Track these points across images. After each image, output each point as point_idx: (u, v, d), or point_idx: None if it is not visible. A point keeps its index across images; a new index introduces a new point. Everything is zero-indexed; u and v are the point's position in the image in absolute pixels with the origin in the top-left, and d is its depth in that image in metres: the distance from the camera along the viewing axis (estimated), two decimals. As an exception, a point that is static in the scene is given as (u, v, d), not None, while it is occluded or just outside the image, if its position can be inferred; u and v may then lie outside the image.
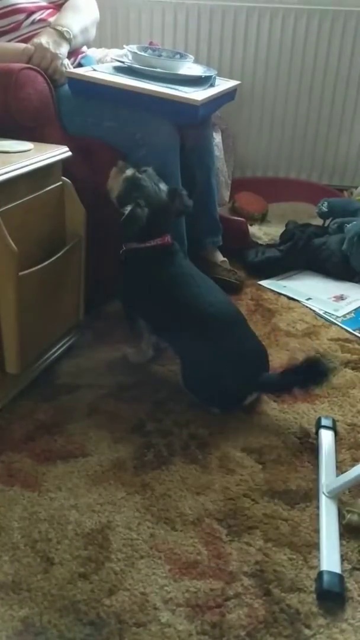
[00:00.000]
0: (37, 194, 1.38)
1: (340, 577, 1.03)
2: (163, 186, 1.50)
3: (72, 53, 1.80)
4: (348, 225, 2.14)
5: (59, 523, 1.14)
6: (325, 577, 1.02)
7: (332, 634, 0.96)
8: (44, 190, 1.41)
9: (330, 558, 1.06)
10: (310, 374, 1.33)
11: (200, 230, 1.99)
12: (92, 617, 0.97)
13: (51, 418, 1.41)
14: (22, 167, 1.29)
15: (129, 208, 1.41)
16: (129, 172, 1.49)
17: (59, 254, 1.45)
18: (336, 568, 1.05)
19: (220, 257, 2.07)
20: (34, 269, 1.35)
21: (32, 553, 1.08)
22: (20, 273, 1.29)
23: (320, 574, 1.03)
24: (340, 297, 2.00)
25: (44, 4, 1.81)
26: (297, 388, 1.36)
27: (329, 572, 1.03)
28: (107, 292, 1.83)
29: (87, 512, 1.16)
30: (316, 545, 1.10)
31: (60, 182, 1.47)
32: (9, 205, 1.29)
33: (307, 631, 0.96)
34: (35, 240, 1.40)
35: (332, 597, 1.01)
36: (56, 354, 1.58)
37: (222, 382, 1.40)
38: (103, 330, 1.77)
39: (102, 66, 1.80)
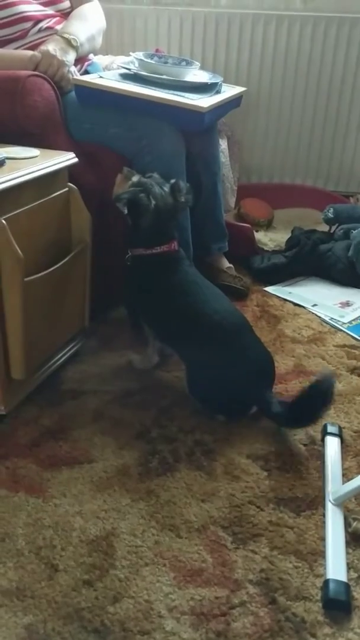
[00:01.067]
0: (43, 200, 1.39)
1: (346, 586, 1.02)
2: (168, 189, 1.49)
3: (79, 60, 1.81)
4: (354, 232, 2.13)
5: (64, 530, 1.13)
6: (332, 586, 1.02)
7: (338, 644, 0.95)
8: (50, 196, 1.42)
9: (336, 566, 1.05)
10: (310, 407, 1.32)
11: (206, 237, 1.99)
12: (97, 624, 0.97)
13: (56, 424, 1.41)
14: (28, 174, 1.30)
15: (126, 194, 1.42)
16: (135, 178, 1.50)
17: (64, 260, 1.45)
18: (342, 576, 1.04)
19: (226, 264, 2.07)
20: (39, 275, 1.35)
21: (37, 560, 1.07)
22: (26, 279, 1.30)
23: (326, 582, 1.03)
24: (346, 304, 1.99)
25: (51, 12, 1.82)
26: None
27: (335, 581, 1.02)
28: (113, 298, 1.83)
29: (91, 519, 1.16)
30: (322, 554, 1.10)
31: (67, 189, 1.48)
32: (15, 212, 1.29)
33: (312, 640, 0.96)
34: (41, 246, 1.40)
35: (338, 606, 1.00)
36: (61, 360, 1.58)
37: (227, 391, 1.40)
38: (108, 336, 1.77)
39: (108, 73, 1.81)
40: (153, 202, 1.43)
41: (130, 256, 1.52)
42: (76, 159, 1.47)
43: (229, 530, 1.14)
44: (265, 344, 1.51)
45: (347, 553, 1.09)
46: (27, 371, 1.37)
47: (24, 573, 1.05)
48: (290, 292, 2.07)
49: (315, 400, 1.30)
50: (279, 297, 2.04)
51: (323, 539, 1.12)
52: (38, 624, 0.97)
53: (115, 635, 0.95)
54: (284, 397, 1.50)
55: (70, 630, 0.96)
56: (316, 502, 1.21)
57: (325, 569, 1.06)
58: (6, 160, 1.33)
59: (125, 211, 1.43)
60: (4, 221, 1.23)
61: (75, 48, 1.73)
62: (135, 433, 1.39)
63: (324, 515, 1.17)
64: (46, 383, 1.52)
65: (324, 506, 1.19)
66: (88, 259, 1.56)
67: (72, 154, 1.47)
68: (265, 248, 2.33)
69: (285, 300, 2.02)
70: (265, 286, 2.11)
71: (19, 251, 1.25)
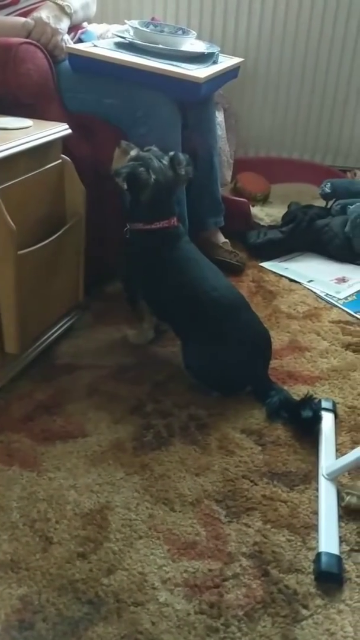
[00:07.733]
0: (36, 171, 1.37)
1: (338, 559, 1.03)
2: (168, 162, 1.46)
3: (72, 29, 1.77)
4: (351, 207, 2.11)
5: (58, 503, 1.14)
6: (324, 559, 1.03)
7: (329, 615, 0.96)
8: (44, 168, 1.40)
9: (328, 540, 1.06)
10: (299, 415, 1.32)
11: (202, 211, 1.97)
12: (91, 596, 0.98)
13: (50, 398, 1.41)
14: (21, 144, 1.28)
15: (126, 169, 1.39)
16: (134, 152, 1.47)
17: (58, 233, 1.43)
18: (334, 550, 1.05)
19: (221, 239, 2.05)
20: (32, 248, 1.34)
21: (31, 532, 1.08)
22: (19, 252, 1.28)
23: (319, 555, 1.04)
24: (342, 280, 1.98)
25: (44, -23, 1.77)
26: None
27: (328, 554, 1.03)
28: (108, 272, 1.81)
29: (85, 493, 1.16)
30: (315, 527, 1.10)
31: (60, 160, 1.45)
32: (8, 183, 1.27)
33: (304, 611, 0.97)
34: (34, 218, 1.38)
35: (330, 579, 1.01)
36: (56, 335, 1.57)
37: (223, 369, 1.39)
38: (103, 310, 1.76)
39: (103, 42, 1.77)
40: (153, 176, 1.40)
41: (129, 230, 1.49)
42: (70, 130, 1.44)
43: (222, 504, 1.15)
44: (261, 319, 1.51)
45: (340, 527, 1.10)
46: (21, 345, 1.37)
47: (18, 545, 1.06)
48: (286, 268, 2.06)
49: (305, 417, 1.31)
50: (275, 272, 2.03)
51: (316, 512, 1.13)
52: (33, 595, 0.98)
53: (109, 606, 0.96)
54: (278, 372, 1.50)
55: (64, 601, 0.97)
56: (309, 476, 1.21)
57: (317, 542, 1.07)
58: (-2, 131, 1.31)
59: (125, 186, 1.40)
60: (-4, 193, 1.21)
61: (69, 15, 1.69)
62: (130, 408, 1.39)
63: (317, 489, 1.18)
64: (40, 358, 1.51)
65: (317, 481, 1.20)
66: (82, 233, 1.55)
67: (65, 125, 1.44)
68: (262, 223, 2.32)
69: (281, 275, 2.01)
70: (261, 261, 2.10)
71: (12, 223, 1.23)
